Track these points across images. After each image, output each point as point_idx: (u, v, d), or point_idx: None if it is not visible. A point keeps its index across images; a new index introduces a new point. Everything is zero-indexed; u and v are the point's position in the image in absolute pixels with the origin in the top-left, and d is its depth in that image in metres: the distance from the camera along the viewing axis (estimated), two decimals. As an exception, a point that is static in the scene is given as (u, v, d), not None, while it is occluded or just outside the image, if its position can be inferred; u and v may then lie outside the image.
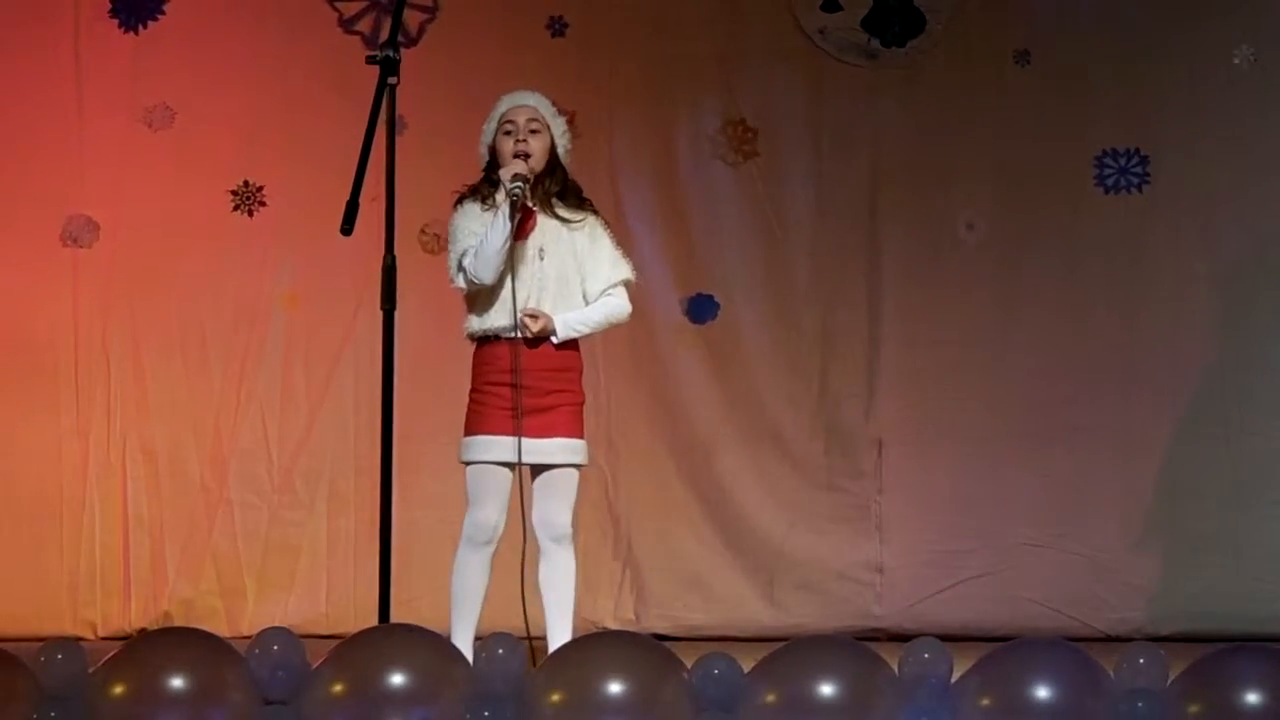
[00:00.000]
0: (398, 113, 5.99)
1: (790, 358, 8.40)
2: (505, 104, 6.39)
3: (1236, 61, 8.28)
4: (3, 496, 8.26)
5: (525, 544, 6.19)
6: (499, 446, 6.18)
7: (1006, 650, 4.48)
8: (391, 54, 5.96)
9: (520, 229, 6.15)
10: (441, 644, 4.54)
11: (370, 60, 6.02)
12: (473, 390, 6.29)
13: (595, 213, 6.40)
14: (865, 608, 8.28)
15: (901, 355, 8.36)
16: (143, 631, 7.90)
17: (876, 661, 4.43)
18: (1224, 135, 8.25)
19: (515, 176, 6.15)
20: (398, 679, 4.36)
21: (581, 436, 6.28)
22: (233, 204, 8.42)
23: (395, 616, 5.85)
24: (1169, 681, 4.37)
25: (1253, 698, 4.24)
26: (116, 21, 8.44)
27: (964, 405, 8.30)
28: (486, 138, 6.37)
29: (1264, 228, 8.23)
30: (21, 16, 8.38)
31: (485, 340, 6.25)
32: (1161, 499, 8.21)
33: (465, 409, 6.29)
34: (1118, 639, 7.85)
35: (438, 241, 8.27)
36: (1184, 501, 8.18)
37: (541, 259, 6.22)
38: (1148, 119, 8.30)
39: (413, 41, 8.33)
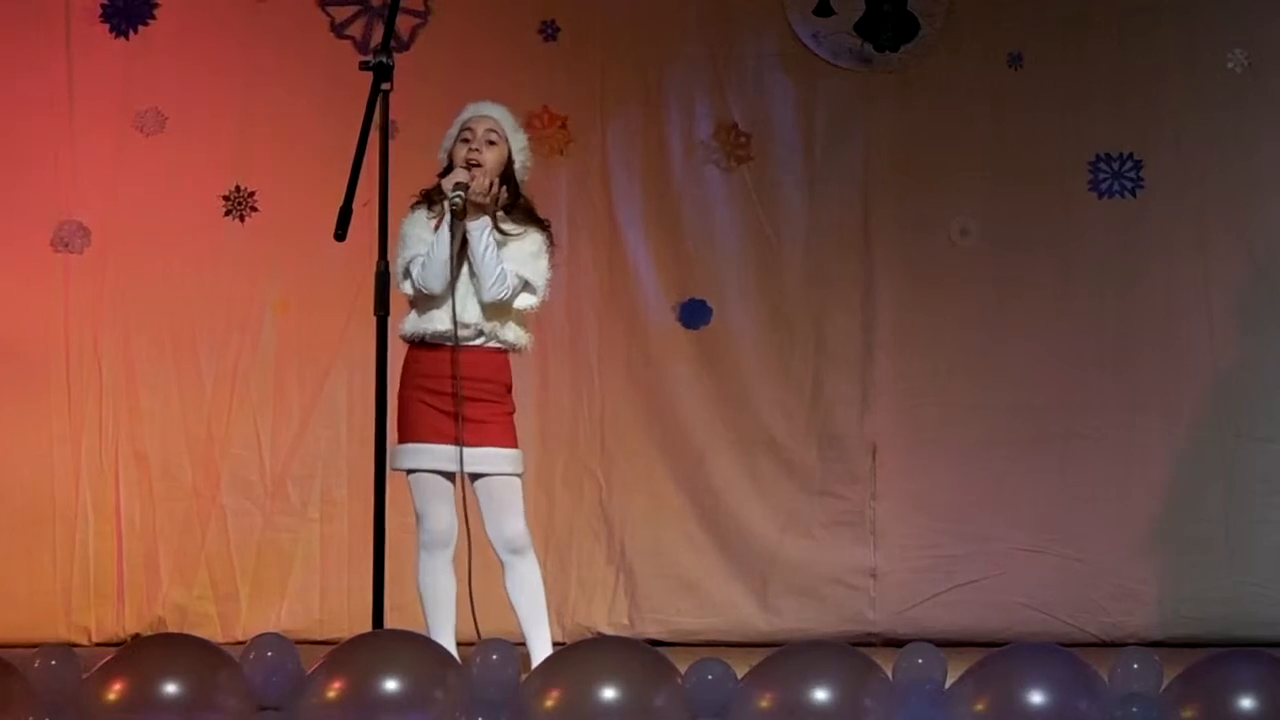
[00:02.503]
0: (390, 118, 5.99)
1: (784, 363, 8.40)
2: (469, 113, 6.46)
3: (1230, 66, 8.28)
4: (-5, 503, 8.27)
5: (470, 551, 6.21)
6: (436, 454, 6.24)
7: (1001, 655, 4.48)
8: (384, 59, 5.95)
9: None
10: (436, 650, 4.53)
11: (363, 66, 6.01)
12: (402, 392, 6.31)
13: (544, 229, 6.40)
14: (860, 613, 8.27)
15: (895, 360, 8.36)
16: (136, 637, 7.89)
17: (871, 667, 4.42)
18: (1218, 140, 8.25)
19: (456, 185, 6.22)
20: (392, 685, 4.35)
21: (515, 446, 6.33)
22: (225, 209, 8.41)
23: (389, 622, 5.84)
24: (1163, 687, 4.37)
25: (1247, 703, 4.23)
26: (108, 27, 8.44)
27: (958, 410, 8.30)
28: (446, 144, 6.44)
29: (1258, 233, 8.24)
30: (12, 21, 8.37)
31: (420, 344, 6.28)
32: (1156, 504, 8.21)
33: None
34: (1112, 644, 7.87)
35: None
36: (1178, 506, 8.18)
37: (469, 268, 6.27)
38: (1142, 123, 8.30)
39: (404, 46, 8.32)
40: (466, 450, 6.20)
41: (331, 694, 4.37)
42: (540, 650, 6.18)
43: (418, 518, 6.31)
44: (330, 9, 8.47)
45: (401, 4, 7.91)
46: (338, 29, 8.47)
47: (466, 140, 6.35)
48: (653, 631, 8.20)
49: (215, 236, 8.38)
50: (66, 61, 8.39)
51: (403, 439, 6.29)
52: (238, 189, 8.41)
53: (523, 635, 6.23)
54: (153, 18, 8.45)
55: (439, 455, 6.24)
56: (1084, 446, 8.24)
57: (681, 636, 8.21)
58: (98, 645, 8.12)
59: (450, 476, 6.27)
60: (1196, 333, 8.24)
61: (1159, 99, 8.31)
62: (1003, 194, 8.34)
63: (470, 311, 6.24)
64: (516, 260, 6.28)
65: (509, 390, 6.36)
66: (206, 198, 8.40)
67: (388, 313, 5.92)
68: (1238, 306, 8.23)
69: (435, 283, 6.20)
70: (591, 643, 5.07)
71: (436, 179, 6.38)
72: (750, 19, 8.43)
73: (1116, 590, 8.18)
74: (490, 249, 6.21)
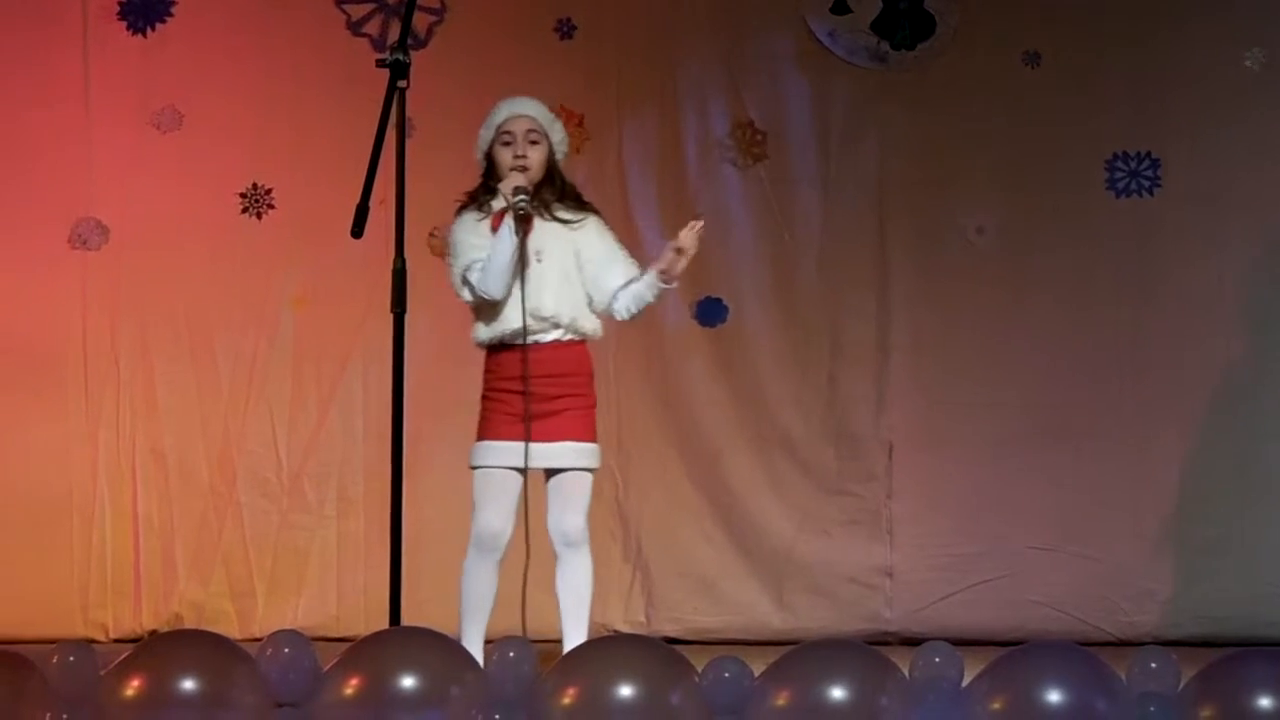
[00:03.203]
0: (406, 115, 5.99)
1: (800, 361, 8.39)
2: (503, 112, 6.40)
3: (1248, 64, 8.26)
4: (13, 500, 8.27)
5: (529, 550, 6.18)
6: (504, 451, 6.20)
7: (1017, 654, 4.46)
8: (401, 57, 5.96)
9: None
10: (452, 647, 4.54)
11: (380, 63, 6.01)
12: (482, 396, 6.32)
13: (596, 212, 6.43)
14: (875, 611, 8.27)
15: (911, 359, 8.35)
16: (153, 634, 7.90)
17: (887, 665, 4.42)
18: (1236, 138, 8.23)
19: (517, 190, 6.17)
20: (408, 682, 4.35)
21: (593, 440, 6.30)
22: (241, 207, 8.42)
23: (406, 619, 5.84)
24: (1181, 686, 4.35)
25: (1265, 702, 4.22)
26: (125, 24, 8.45)
27: (974, 409, 8.29)
28: (483, 144, 6.40)
29: (1275, 231, 8.22)
30: (29, 19, 8.39)
31: (494, 347, 6.27)
32: (1173, 503, 8.20)
33: (473, 411, 6.30)
34: (1129, 643, 7.85)
35: (446, 245, 8.28)
36: (1196, 505, 8.17)
37: (540, 260, 6.23)
38: (1159, 122, 8.29)
39: (421, 44, 8.33)
40: (542, 446, 6.18)
41: (348, 691, 4.37)
42: (572, 645, 6.18)
43: (474, 515, 6.25)
44: (347, 6, 8.48)
45: (418, 1, 7.94)
46: (354, 26, 8.48)
47: (508, 143, 6.32)
48: (669, 630, 8.20)
49: (232, 233, 8.39)
50: (83, 59, 8.41)
51: (479, 437, 6.27)
52: (255, 186, 8.42)
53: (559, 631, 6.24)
54: (170, 15, 8.46)
55: (507, 451, 6.19)
56: (1100, 445, 8.22)
57: (697, 635, 8.21)
58: (115, 642, 8.13)
59: (520, 473, 6.23)
60: (1213, 332, 8.23)
61: (1177, 97, 8.30)
62: (1019, 193, 8.33)
63: (546, 306, 6.21)
64: (624, 263, 6.36)
65: (591, 381, 6.34)
66: (223, 195, 8.41)
67: (404, 310, 5.93)
68: (1256, 304, 8.22)
69: (497, 289, 6.16)
70: (607, 641, 5.09)
71: (480, 179, 6.37)
72: (766, 17, 8.43)
73: (1133, 589, 8.17)
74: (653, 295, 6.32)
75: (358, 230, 5.93)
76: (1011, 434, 8.26)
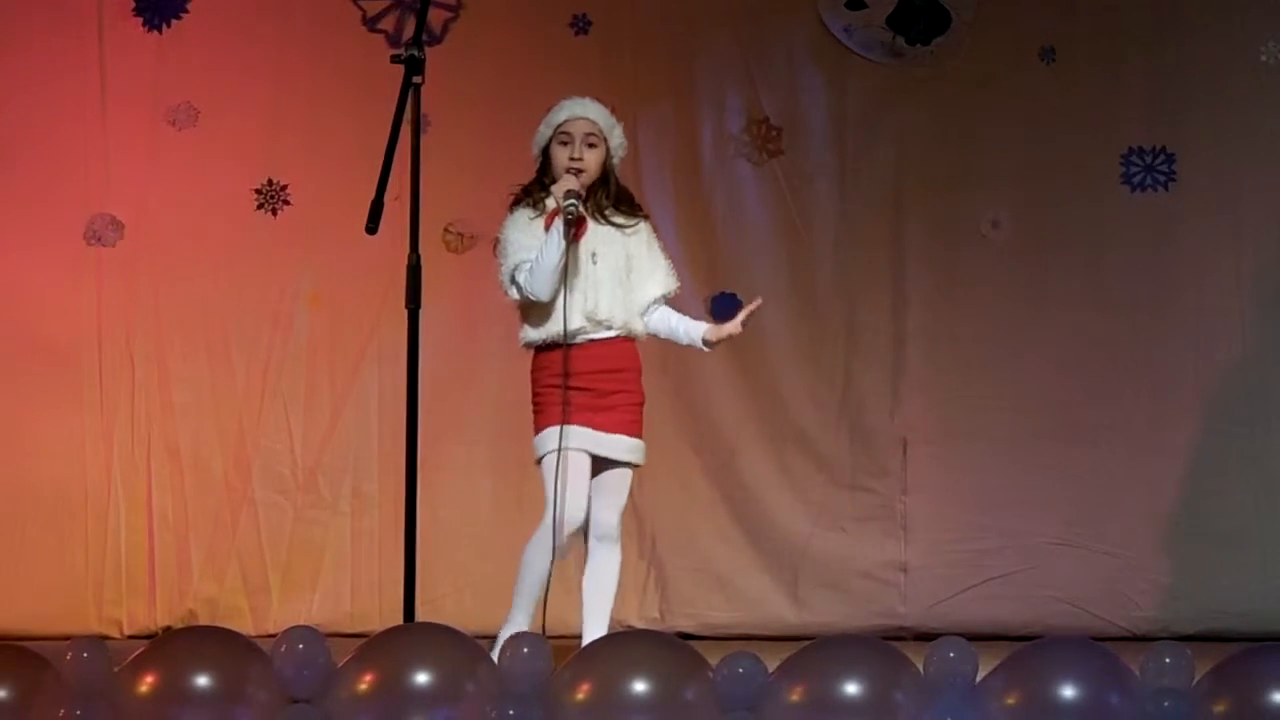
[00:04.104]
0: (422, 111, 5.99)
1: (815, 357, 8.39)
2: (564, 111, 6.39)
3: (1263, 59, 8.25)
4: (28, 496, 8.28)
5: (554, 542, 6.17)
6: (572, 435, 6.17)
7: (1032, 649, 4.47)
8: (416, 53, 5.95)
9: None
10: (466, 643, 4.53)
11: (395, 59, 6.01)
12: (534, 395, 6.31)
13: (646, 218, 6.46)
14: (890, 607, 8.27)
15: (926, 354, 8.35)
16: (168, 630, 7.92)
17: (901, 661, 4.42)
18: (1251, 133, 8.22)
19: (569, 194, 6.18)
20: (422, 678, 4.36)
21: (641, 436, 6.32)
22: (256, 203, 8.43)
23: (420, 615, 5.85)
24: (1195, 681, 4.35)
25: (1279, 697, 4.22)
26: (140, 20, 8.46)
27: (989, 404, 8.28)
28: (540, 141, 6.39)
29: (1291, 226, 8.22)
30: (46, 16, 8.40)
31: (544, 347, 6.27)
32: (1188, 497, 8.19)
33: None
34: (1143, 638, 7.84)
35: (461, 240, 8.30)
36: (1210, 500, 8.16)
37: (595, 263, 6.24)
38: (1174, 117, 8.28)
39: (436, 40, 8.33)
40: (602, 435, 6.20)
41: (362, 687, 4.38)
42: (592, 639, 6.17)
43: (546, 500, 6.19)
44: (362, 2, 8.49)
45: (433, -2, 7.96)
46: (370, 23, 8.48)
47: (565, 143, 6.32)
48: (683, 625, 8.21)
49: (247, 230, 8.40)
50: (99, 56, 8.41)
51: (538, 429, 6.26)
52: (270, 182, 8.42)
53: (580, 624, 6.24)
54: (185, 11, 8.46)
55: (575, 435, 6.17)
56: (1115, 440, 8.22)
57: (712, 630, 8.21)
58: (129, 638, 8.14)
59: (589, 455, 6.22)
60: (1228, 326, 8.22)
61: (1191, 92, 8.29)
62: (1034, 187, 8.33)
63: (602, 309, 6.22)
64: (664, 274, 6.40)
65: (640, 377, 6.35)
66: (239, 191, 8.42)
67: (419, 306, 5.92)
68: (1270, 299, 8.21)
69: (544, 290, 6.17)
70: (622, 636, 5.08)
71: (534, 175, 6.37)
72: (782, 13, 8.43)
73: (1148, 584, 8.17)
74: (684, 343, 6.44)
75: (372, 226, 5.92)
76: (1026, 429, 8.25)
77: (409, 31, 7.98)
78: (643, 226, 6.40)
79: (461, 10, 8.46)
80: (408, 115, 5.95)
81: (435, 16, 8.32)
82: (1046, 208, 8.32)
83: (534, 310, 6.26)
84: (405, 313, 5.93)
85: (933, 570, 8.28)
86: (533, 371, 6.32)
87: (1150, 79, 8.31)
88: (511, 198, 6.39)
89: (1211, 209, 8.24)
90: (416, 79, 5.96)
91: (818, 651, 4.47)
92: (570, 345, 6.19)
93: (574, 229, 6.16)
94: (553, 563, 6.15)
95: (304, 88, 8.43)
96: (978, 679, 4.39)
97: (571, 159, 6.28)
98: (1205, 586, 8.12)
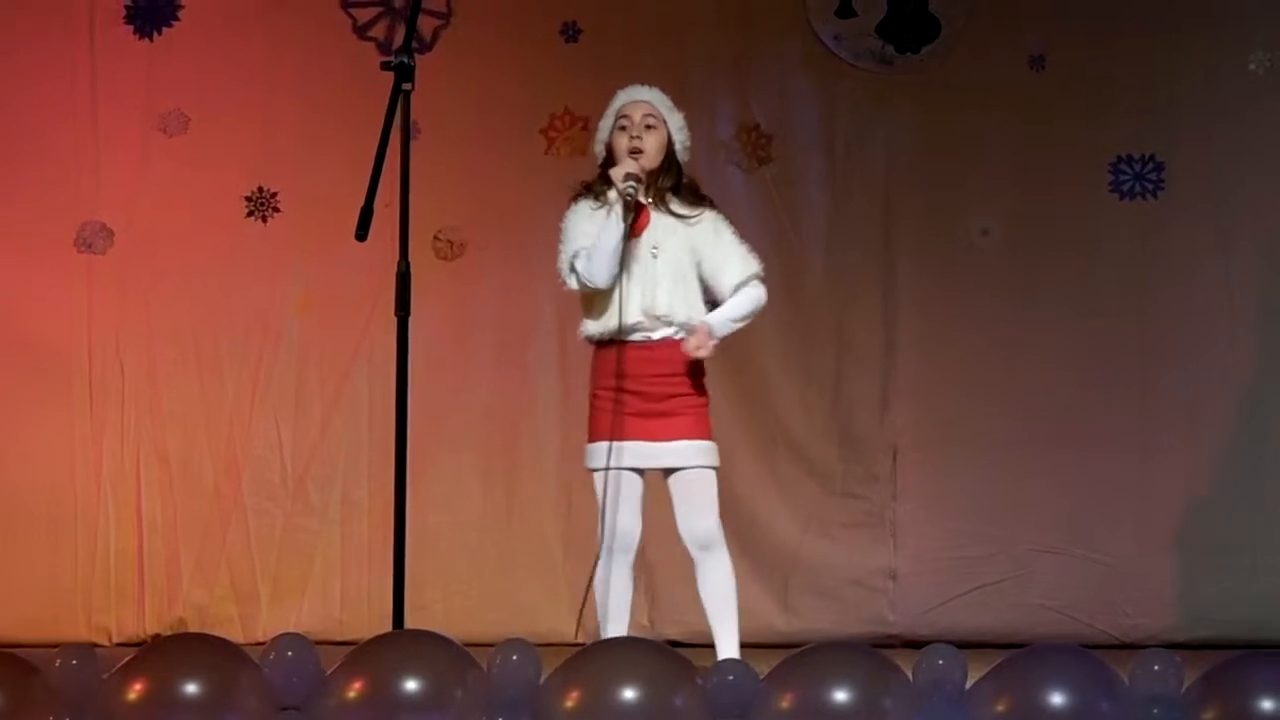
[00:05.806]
0: (411, 118, 5.98)
1: (805, 363, 8.39)
2: (621, 99, 6.34)
3: (1253, 68, 8.26)
4: (17, 502, 8.27)
5: (600, 552, 6.18)
6: (625, 452, 6.09)
7: (1021, 657, 4.47)
8: (406, 60, 5.95)
9: (633, 227, 6.10)
10: (455, 650, 4.53)
11: (385, 66, 6.00)
12: (591, 395, 6.22)
13: (714, 208, 6.33)
14: (879, 614, 8.27)
15: (916, 361, 8.35)
16: (157, 637, 7.91)
17: (891, 668, 4.42)
18: (1240, 141, 8.24)
19: (627, 176, 6.10)
20: (412, 685, 4.36)
21: (709, 437, 6.20)
22: (247, 210, 8.42)
23: (409, 622, 5.84)
24: (1184, 688, 4.35)
25: (1269, 705, 4.22)
26: (131, 28, 8.46)
27: (979, 411, 8.29)
28: (602, 134, 6.33)
29: (1280, 233, 8.23)
30: (36, 23, 8.40)
31: (602, 344, 6.19)
32: (1178, 504, 8.20)
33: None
34: (1133, 645, 7.84)
35: (451, 248, 8.30)
36: (1201, 507, 8.17)
37: (655, 256, 6.15)
38: (1164, 125, 8.29)
39: (426, 47, 8.33)
40: (657, 445, 6.10)
41: (351, 694, 4.37)
42: (726, 648, 6.14)
43: (601, 518, 6.15)
44: (353, 10, 8.49)
45: (423, 5, 7.96)
46: (360, 30, 8.49)
47: (624, 128, 6.24)
48: (672, 632, 8.18)
49: (238, 237, 8.40)
50: (90, 63, 8.42)
51: (591, 439, 6.18)
52: (260, 190, 8.43)
53: (710, 633, 6.24)
54: (176, 19, 8.47)
55: (628, 452, 6.10)
56: (1105, 447, 8.22)
57: (701, 637, 8.10)
58: (118, 645, 8.13)
59: (641, 474, 6.15)
60: (1219, 333, 8.23)
61: (1181, 100, 8.30)
62: (1024, 195, 8.34)
63: (660, 304, 6.12)
64: (740, 260, 6.24)
65: (703, 378, 6.23)
66: (229, 198, 8.41)
67: (409, 313, 5.91)
68: (1260, 306, 8.22)
69: (601, 276, 6.06)
70: (611, 643, 5.07)
71: (599, 170, 6.29)
72: (772, 21, 8.43)
73: (1137, 591, 8.17)
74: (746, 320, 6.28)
75: (362, 233, 5.92)
76: (1016, 436, 8.26)
77: (399, 39, 7.97)
78: (706, 216, 6.25)
79: (452, 18, 8.47)
80: (397, 122, 5.95)
81: (425, 24, 8.33)
82: (1036, 215, 8.32)
83: (594, 302, 6.15)
84: (395, 320, 5.92)
85: (922, 577, 8.28)
86: (591, 370, 6.22)
87: (1139, 87, 8.32)
88: (573, 194, 6.30)
89: (1200, 217, 8.26)
90: (406, 86, 5.95)
91: (807, 658, 4.46)
92: (625, 343, 6.11)
93: (633, 214, 6.08)
94: (608, 579, 6.14)
95: (295, 95, 8.42)
96: (966, 686, 4.39)
97: (632, 138, 6.19)
98: (1196, 594, 8.13)
